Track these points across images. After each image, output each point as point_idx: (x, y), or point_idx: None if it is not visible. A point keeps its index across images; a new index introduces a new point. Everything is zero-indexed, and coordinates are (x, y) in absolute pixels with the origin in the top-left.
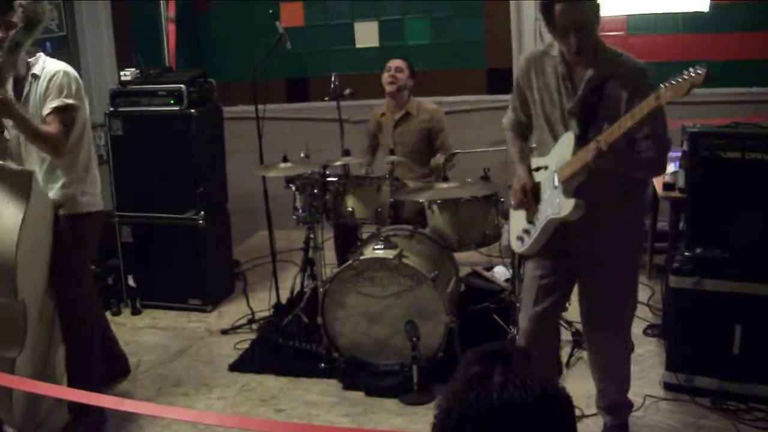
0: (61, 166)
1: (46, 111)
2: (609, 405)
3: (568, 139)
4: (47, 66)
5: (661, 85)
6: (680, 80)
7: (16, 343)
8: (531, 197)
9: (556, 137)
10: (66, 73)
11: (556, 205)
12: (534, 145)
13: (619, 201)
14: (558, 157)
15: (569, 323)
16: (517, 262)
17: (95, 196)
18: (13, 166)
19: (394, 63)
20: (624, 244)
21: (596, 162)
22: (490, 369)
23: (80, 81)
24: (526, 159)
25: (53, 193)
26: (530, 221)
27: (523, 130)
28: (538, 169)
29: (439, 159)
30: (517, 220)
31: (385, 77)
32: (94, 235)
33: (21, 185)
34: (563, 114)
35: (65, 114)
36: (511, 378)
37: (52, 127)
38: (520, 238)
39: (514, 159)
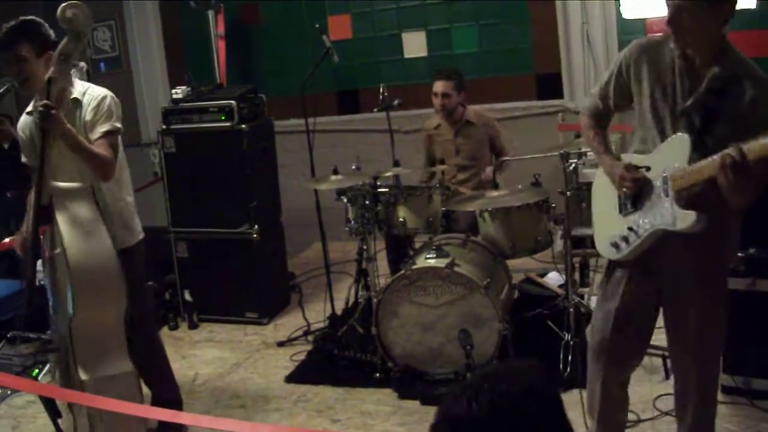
0: (109, 194)
1: (96, 135)
2: None
3: (681, 143)
4: (91, 90)
5: None
6: None
7: (126, 357)
8: (637, 184)
9: (664, 136)
10: (113, 98)
11: (669, 215)
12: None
13: (726, 215)
14: (667, 161)
15: None
16: (570, 268)
17: (138, 224)
18: (66, 184)
19: (440, 88)
20: (718, 263)
21: (725, 175)
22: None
23: None
24: (610, 149)
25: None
26: (629, 227)
27: (602, 121)
28: (637, 168)
29: (488, 173)
30: (605, 223)
31: (435, 102)
32: (141, 264)
33: (87, 198)
34: (673, 113)
35: (113, 137)
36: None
37: (102, 150)
38: (615, 245)
39: (600, 150)
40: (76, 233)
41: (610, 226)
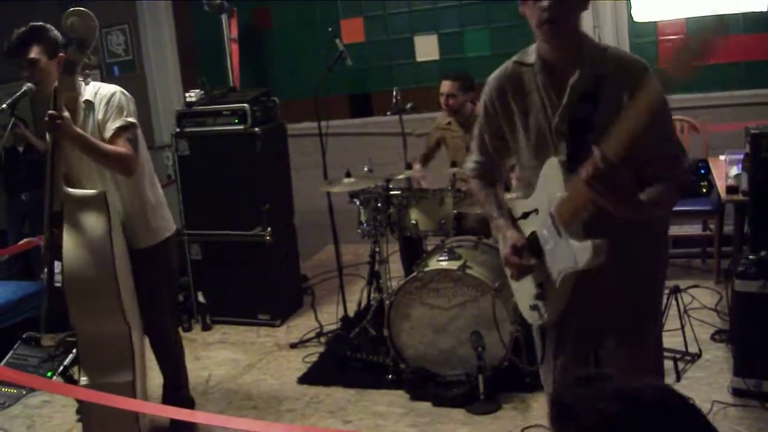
0: (128, 192)
1: (108, 133)
2: None
3: (552, 169)
4: (101, 90)
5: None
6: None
7: (128, 366)
8: (528, 257)
9: None
10: (122, 93)
11: (569, 255)
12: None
13: (636, 235)
14: (548, 196)
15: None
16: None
17: (166, 219)
18: (79, 191)
19: (445, 88)
20: (640, 303)
21: (593, 187)
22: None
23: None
24: (505, 210)
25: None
26: (539, 284)
27: (490, 177)
28: (526, 215)
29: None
30: (523, 286)
31: (441, 101)
32: (172, 261)
33: (98, 207)
34: (553, 137)
35: (128, 131)
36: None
37: (119, 146)
38: (535, 307)
39: (492, 214)
40: (77, 244)
41: (525, 288)
